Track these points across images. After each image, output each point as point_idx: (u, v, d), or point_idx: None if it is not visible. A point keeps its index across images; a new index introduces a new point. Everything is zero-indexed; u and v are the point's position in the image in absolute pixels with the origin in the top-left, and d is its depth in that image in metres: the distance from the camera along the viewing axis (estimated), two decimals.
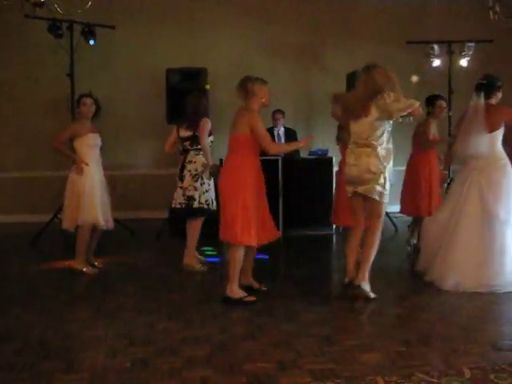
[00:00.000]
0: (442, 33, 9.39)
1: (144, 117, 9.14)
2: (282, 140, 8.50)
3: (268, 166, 7.75)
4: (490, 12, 6.81)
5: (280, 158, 7.89)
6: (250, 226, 4.57)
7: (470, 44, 9.11)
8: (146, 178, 9.35)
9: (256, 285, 4.98)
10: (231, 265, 4.65)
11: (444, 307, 4.62)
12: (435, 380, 3.12)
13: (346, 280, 4.91)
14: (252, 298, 4.69)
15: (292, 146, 5.59)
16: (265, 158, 7.81)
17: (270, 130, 8.46)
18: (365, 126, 4.74)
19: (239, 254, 4.63)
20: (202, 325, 4.18)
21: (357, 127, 4.79)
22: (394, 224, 8.24)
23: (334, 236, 7.90)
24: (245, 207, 4.55)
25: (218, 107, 8.16)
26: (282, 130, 8.58)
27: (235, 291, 4.66)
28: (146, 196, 9.16)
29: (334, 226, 7.91)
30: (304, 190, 7.91)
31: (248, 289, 4.84)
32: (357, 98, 4.79)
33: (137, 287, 5.24)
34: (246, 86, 4.71)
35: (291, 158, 7.98)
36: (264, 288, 4.98)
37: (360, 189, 4.77)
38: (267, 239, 4.80)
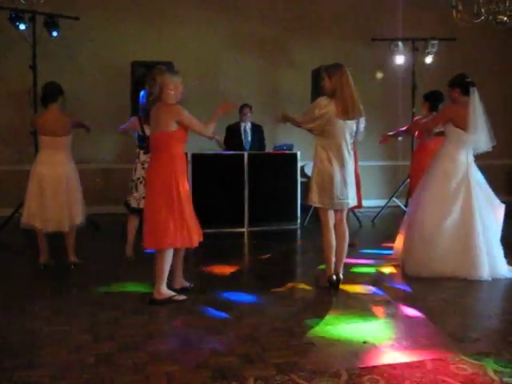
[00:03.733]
0: (407, 30, 9.52)
1: (109, 110, 9.02)
2: (249, 136, 8.42)
3: (233, 161, 7.89)
4: (453, 11, 6.90)
5: (246, 153, 7.90)
6: (183, 227, 4.45)
7: (434, 42, 9.25)
8: (110, 171, 9.25)
9: (187, 284, 4.88)
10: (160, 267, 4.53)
11: (408, 300, 4.69)
12: (398, 371, 3.17)
13: (334, 276, 4.88)
14: (182, 297, 4.59)
15: (215, 117, 4.74)
16: (230, 152, 7.98)
17: (237, 125, 8.42)
18: (352, 125, 4.83)
19: (167, 256, 4.51)
20: (166, 320, 4.17)
21: (348, 127, 4.82)
22: (358, 219, 8.33)
23: (299, 230, 7.95)
24: (180, 209, 4.44)
25: (183, 101, 8.09)
26: (249, 126, 8.43)
27: (163, 292, 4.54)
28: (111, 190, 9.05)
29: (299, 221, 8.00)
30: (269, 185, 7.93)
31: (182, 290, 4.78)
32: (353, 95, 4.78)
33: (100, 282, 5.19)
34: (155, 78, 4.53)
35: (257, 153, 8.02)
36: (191, 285, 4.89)
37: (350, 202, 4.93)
38: (194, 242, 4.60)
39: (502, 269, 5.32)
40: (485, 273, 5.17)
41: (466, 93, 5.29)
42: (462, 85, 5.34)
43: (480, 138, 5.31)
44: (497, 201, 5.50)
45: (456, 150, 5.36)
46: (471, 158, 5.41)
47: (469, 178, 5.33)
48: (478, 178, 5.43)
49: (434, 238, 5.27)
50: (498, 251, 5.38)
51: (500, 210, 5.48)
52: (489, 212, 5.38)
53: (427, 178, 5.50)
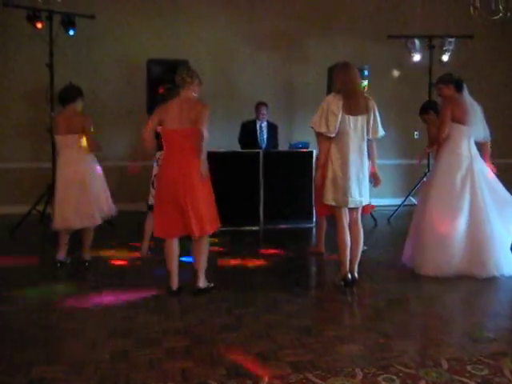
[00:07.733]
0: (423, 27, 9.43)
1: (124, 108, 9.06)
2: (265, 134, 8.42)
3: (249, 159, 7.88)
4: (471, 7, 6.83)
5: (261, 151, 7.89)
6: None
7: (451, 39, 9.16)
8: (125, 169, 9.26)
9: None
10: (206, 255, 4.77)
11: (423, 299, 4.67)
12: (413, 371, 3.15)
13: (349, 275, 4.83)
14: (212, 285, 4.85)
15: None
16: (246, 150, 7.97)
17: (253, 123, 8.40)
18: (363, 122, 4.78)
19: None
20: (181, 316, 4.18)
21: (360, 124, 4.78)
22: (373, 217, 8.29)
23: (314, 229, 7.92)
24: (213, 196, 4.74)
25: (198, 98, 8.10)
26: (265, 124, 8.40)
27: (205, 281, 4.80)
28: (126, 188, 9.08)
29: (315, 219, 7.95)
30: (285, 183, 7.92)
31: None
32: (358, 91, 4.84)
33: (116, 280, 5.22)
34: (195, 76, 4.79)
35: (272, 151, 8.01)
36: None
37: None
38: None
39: (509, 266, 5.26)
40: (493, 270, 5.14)
41: (460, 90, 5.45)
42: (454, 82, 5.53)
43: (479, 128, 5.43)
44: (506, 194, 5.44)
45: (457, 143, 5.38)
46: (474, 151, 5.43)
47: (473, 171, 5.34)
48: (483, 170, 5.41)
49: (449, 239, 5.22)
50: (503, 248, 5.31)
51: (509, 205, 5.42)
52: (492, 206, 5.32)
53: (432, 175, 5.55)
